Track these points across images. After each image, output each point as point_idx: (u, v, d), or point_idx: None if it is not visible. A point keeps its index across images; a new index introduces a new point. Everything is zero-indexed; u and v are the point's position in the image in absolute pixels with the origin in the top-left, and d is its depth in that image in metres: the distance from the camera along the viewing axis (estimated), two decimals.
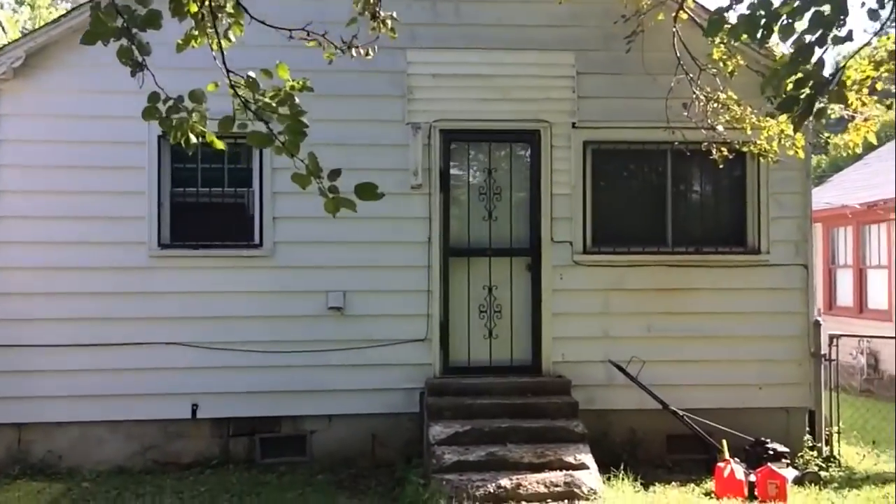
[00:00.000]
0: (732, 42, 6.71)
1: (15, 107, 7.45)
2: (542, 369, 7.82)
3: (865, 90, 6.42)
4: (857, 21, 12.30)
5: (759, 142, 7.35)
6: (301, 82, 3.77)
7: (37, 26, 15.32)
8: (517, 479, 6.36)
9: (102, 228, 7.48)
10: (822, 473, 7.19)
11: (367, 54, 4.83)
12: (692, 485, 7.03)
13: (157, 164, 7.55)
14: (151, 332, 7.49)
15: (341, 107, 7.73)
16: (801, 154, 7.55)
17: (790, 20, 3.70)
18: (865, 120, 7.36)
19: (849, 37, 3.72)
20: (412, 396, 7.67)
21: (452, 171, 7.91)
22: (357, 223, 7.64)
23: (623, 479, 6.75)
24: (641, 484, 6.79)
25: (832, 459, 7.62)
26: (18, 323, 7.39)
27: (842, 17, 3.58)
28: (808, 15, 3.65)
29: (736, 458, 6.96)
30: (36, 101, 7.48)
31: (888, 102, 7.11)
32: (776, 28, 3.72)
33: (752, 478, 6.69)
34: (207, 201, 7.67)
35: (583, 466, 6.58)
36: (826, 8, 3.59)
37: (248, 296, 7.63)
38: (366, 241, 7.73)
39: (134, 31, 3.45)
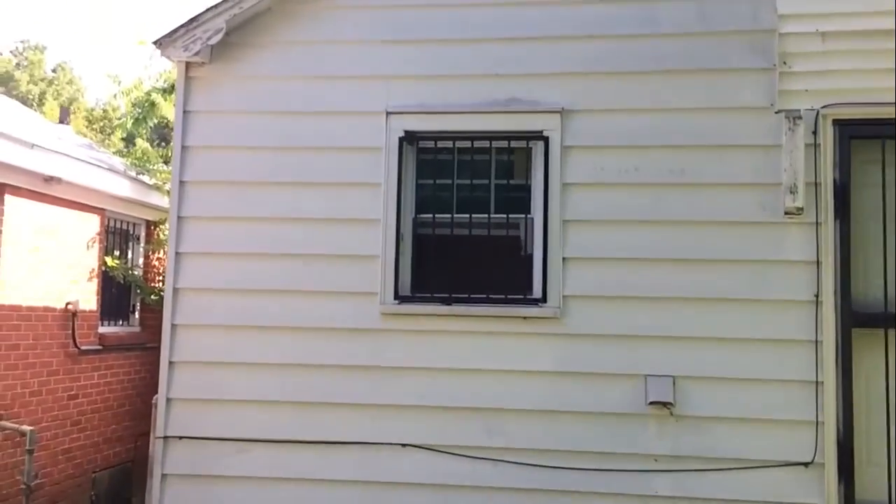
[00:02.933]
0: None
1: (209, 101, 5.38)
2: None
3: None
4: None
5: None
6: None
7: None
8: None
9: (316, 272, 5.17)
10: None
11: None
12: None
13: (398, 178, 5.16)
14: (381, 425, 5.03)
15: (666, 88, 5.02)
16: None
17: None
18: None
19: None
20: None
21: (856, 187, 4.86)
22: (692, 267, 4.91)
23: None
24: None
25: None
26: (200, 405, 5.21)
27: None
28: None
29: None
30: (235, 92, 5.37)
31: None
32: None
33: None
34: (465, 234, 5.16)
35: None
36: None
37: (522, 378, 4.98)
38: (707, 298, 4.86)
39: None
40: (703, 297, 4.87)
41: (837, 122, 4.82)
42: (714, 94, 4.99)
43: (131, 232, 8.55)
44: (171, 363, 5.23)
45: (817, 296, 4.74)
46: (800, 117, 4.78)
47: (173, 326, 5.27)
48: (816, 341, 4.72)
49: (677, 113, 5.00)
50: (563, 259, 5.00)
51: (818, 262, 4.76)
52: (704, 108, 4.98)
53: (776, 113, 4.86)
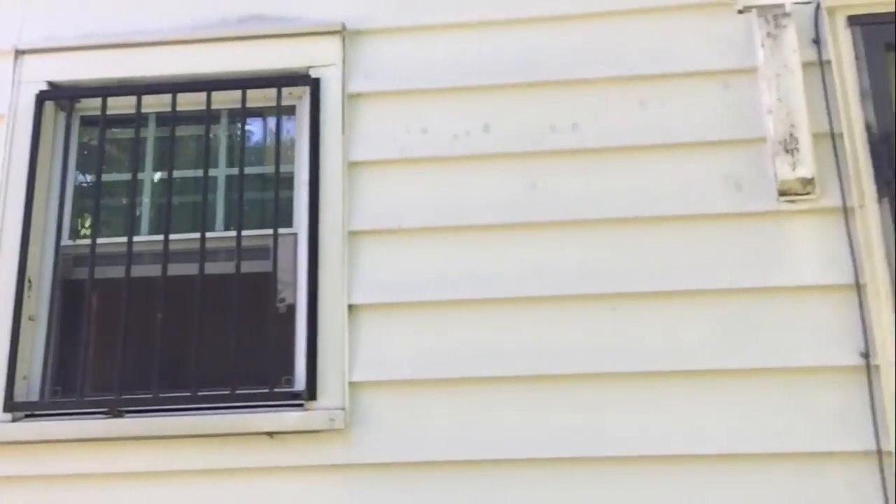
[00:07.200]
0: None
1: None
2: None
3: None
4: None
5: None
6: None
7: None
8: None
9: None
10: None
11: None
12: None
13: (30, 169, 2.61)
14: None
15: None
16: None
17: None
18: None
19: None
20: None
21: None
22: (604, 308, 2.42)
23: None
24: None
25: None
26: None
27: None
28: None
29: None
30: None
31: None
32: None
33: None
34: (162, 275, 2.59)
35: None
36: None
37: None
38: (659, 372, 2.36)
39: None
40: (642, 372, 2.36)
41: (856, 21, 2.56)
42: None
43: None
44: None
45: (867, 356, 2.29)
46: (787, 14, 2.51)
47: None
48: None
49: (547, 24, 2.67)
50: (350, 308, 2.45)
51: (858, 287, 2.34)
52: (595, 14, 2.67)
53: (740, 12, 2.58)
